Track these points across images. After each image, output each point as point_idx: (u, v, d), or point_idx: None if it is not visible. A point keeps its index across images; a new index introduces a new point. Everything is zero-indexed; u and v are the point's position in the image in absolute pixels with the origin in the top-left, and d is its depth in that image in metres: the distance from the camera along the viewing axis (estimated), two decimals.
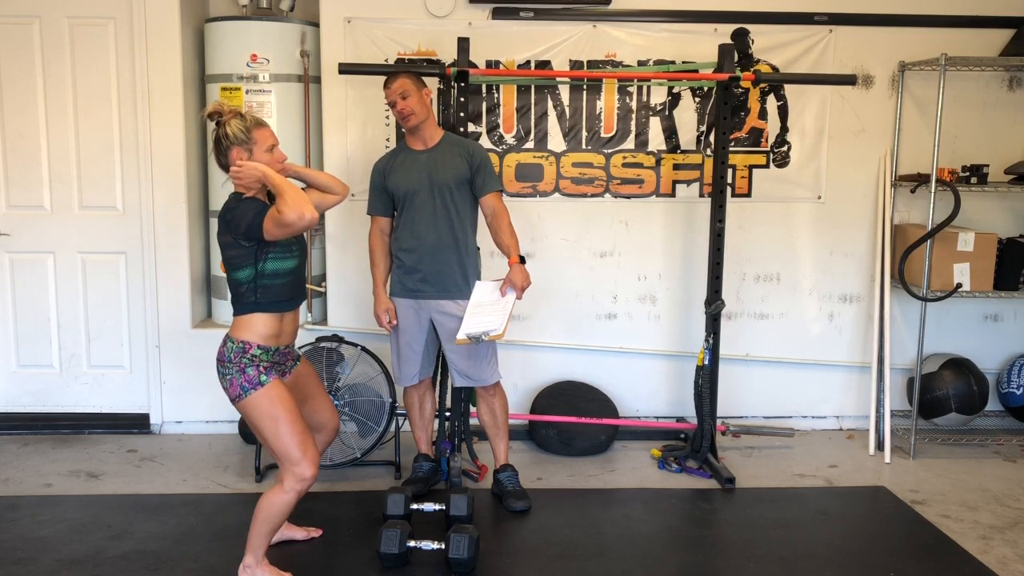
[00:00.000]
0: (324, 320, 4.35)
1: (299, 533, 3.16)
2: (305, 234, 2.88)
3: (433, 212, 3.41)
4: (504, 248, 3.45)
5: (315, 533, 3.19)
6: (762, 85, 4.19)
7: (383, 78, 3.52)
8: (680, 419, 4.35)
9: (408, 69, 3.57)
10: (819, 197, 4.33)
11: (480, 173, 3.45)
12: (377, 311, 3.54)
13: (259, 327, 2.69)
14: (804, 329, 4.43)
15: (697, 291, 4.27)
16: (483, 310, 3.33)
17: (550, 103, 4.20)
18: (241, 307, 2.71)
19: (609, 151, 4.24)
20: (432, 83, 4.14)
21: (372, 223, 3.57)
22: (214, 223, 4.31)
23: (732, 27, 4.16)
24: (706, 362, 3.88)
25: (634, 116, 4.23)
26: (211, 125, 2.75)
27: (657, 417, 4.41)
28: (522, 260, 3.40)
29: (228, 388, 2.69)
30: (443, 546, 2.91)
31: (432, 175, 3.41)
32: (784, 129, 4.27)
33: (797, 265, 4.38)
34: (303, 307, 4.24)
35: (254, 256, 2.66)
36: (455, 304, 3.43)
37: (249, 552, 2.78)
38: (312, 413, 2.93)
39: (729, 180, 4.08)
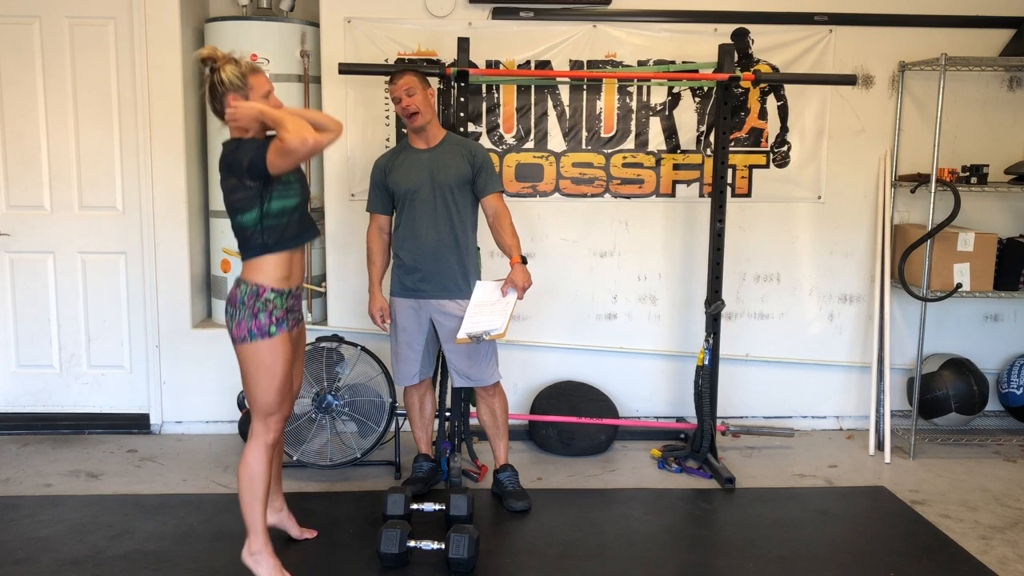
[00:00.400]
0: (324, 320, 4.35)
1: (294, 529, 3.15)
2: (304, 167, 2.83)
3: (434, 212, 3.40)
4: (506, 248, 3.45)
5: (309, 535, 3.18)
6: (762, 85, 4.20)
7: (383, 78, 3.53)
8: (680, 419, 4.35)
9: (411, 68, 3.56)
10: (819, 197, 4.33)
11: (482, 173, 3.45)
12: (371, 309, 3.54)
13: (270, 269, 2.70)
14: (804, 329, 4.43)
15: (697, 291, 4.27)
16: (484, 310, 3.33)
17: (550, 103, 4.20)
18: (250, 251, 2.71)
19: (609, 151, 4.24)
20: (432, 83, 4.12)
21: (371, 220, 3.57)
22: (214, 223, 4.31)
23: (732, 27, 4.17)
24: (706, 362, 3.88)
25: (634, 116, 4.23)
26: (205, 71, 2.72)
27: (657, 417, 4.41)
28: (523, 260, 3.40)
29: (234, 328, 2.69)
30: (443, 546, 2.91)
31: (434, 174, 3.41)
32: (784, 129, 4.27)
33: (797, 265, 4.38)
34: (303, 307, 4.27)
35: (259, 196, 2.65)
36: (455, 304, 3.43)
37: (250, 534, 2.77)
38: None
39: (729, 180, 4.09)
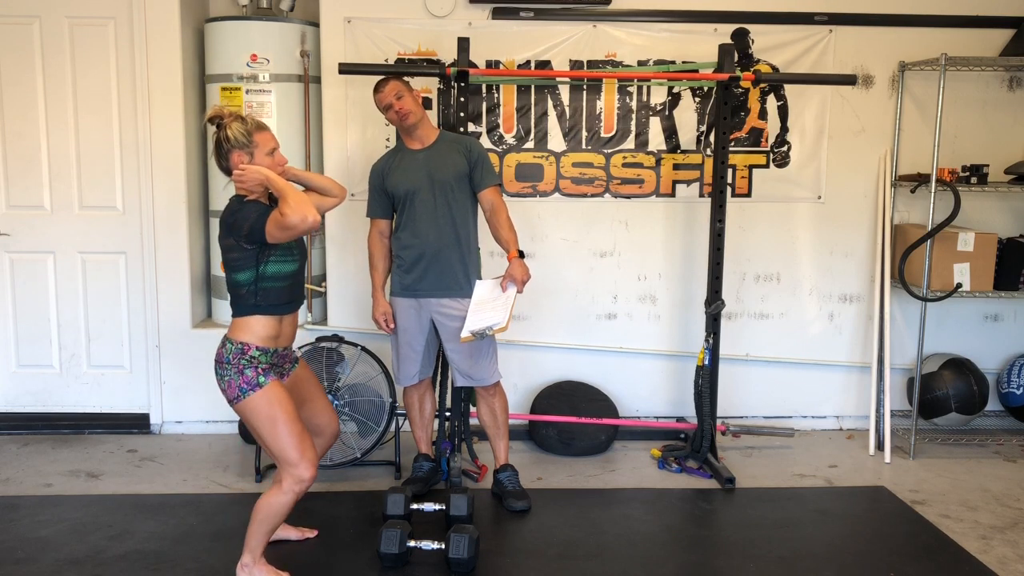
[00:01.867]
0: (324, 320, 4.35)
1: (293, 533, 3.15)
2: (305, 238, 2.88)
3: (434, 210, 3.40)
4: (503, 243, 3.45)
5: (310, 534, 3.18)
6: (762, 85, 4.19)
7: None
8: (680, 419, 4.35)
9: (403, 71, 3.56)
10: (819, 197, 4.33)
11: (478, 167, 3.45)
12: (375, 314, 3.53)
13: (258, 329, 2.70)
14: (804, 329, 4.43)
15: (697, 291, 4.27)
16: (484, 307, 3.34)
17: (550, 103, 4.20)
18: (240, 309, 2.71)
19: (609, 151, 4.24)
20: (432, 83, 4.15)
21: (371, 225, 3.56)
22: (214, 223, 4.31)
23: (732, 27, 4.17)
24: (706, 362, 3.87)
25: (634, 116, 4.23)
26: (212, 128, 2.75)
27: (657, 417, 4.41)
28: (521, 254, 3.40)
29: (226, 390, 2.69)
30: (443, 546, 2.91)
31: (432, 173, 3.41)
32: (784, 129, 4.27)
33: (797, 265, 4.38)
34: (303, 307, 4.27)
35: (255, 259, 2.67)
36: (457, 303, 3.42)
37: (247, 551, 2.78)
38: (311, 417, 2.92)
39: (729, 180, 4.08)
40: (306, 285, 4.25)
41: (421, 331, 3.50)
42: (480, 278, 3.51)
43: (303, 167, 4.15)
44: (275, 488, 2.75)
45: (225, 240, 2.69)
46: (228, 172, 2.71)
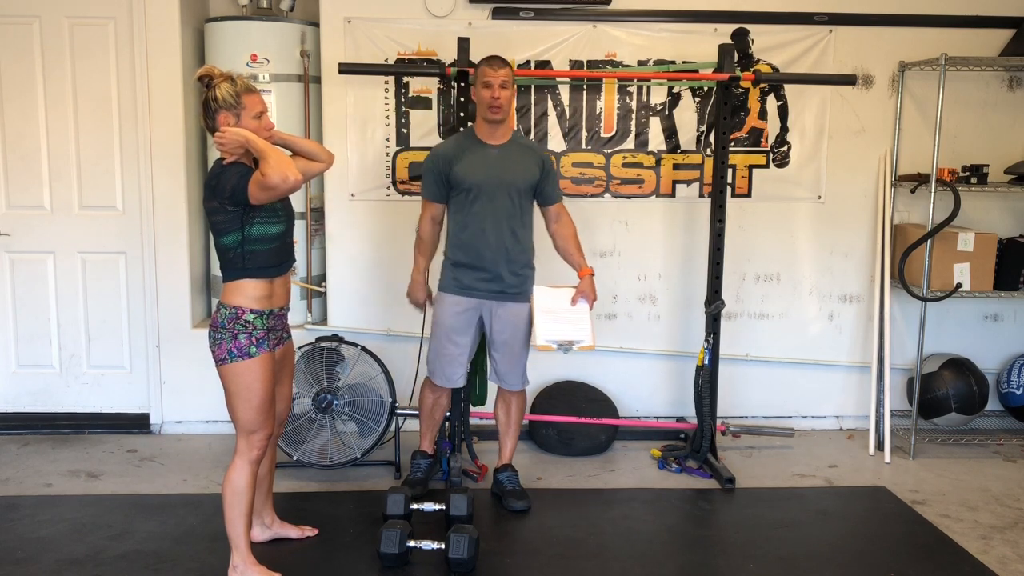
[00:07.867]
0: (324, 320, 4.35)
1: (293, 532, 3.15)
2: (290, 200, 2.86)
3: (501, 212, 3.34)
4: (574, 259, 3.48)
5: (310, 532, 3.18)
6: (762, 85, 4.19)
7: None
8: (680, 419, 4.35)
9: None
10: (819, 197, 4.33)
11: (549, 180, 3.45)
12: (415, 293, 3.50)
13: (249, 291, 2.70)
14: (804, 329, 4.43)
15: (697, 291, 4.27)
16: (558, 317, 3.35)
17: (550, 103, 4.20)
18: (230, 273, 2.71)
19: (609, 151, 4.24)
20: (432, 83, 4.15)
21: (424, 208, 3.46)
22: None
23: (732, 27, 4.17)
24: (706, 362, 3.87)
25: (634, 116, 4.23)
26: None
27: (657, 417, 4.41)
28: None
29: (216, 351, 2.69)
30: (443, 546, 2.91)
31: (503, 174, 3.34)
32: (784, 129, 4.27)
33: (797, 265, 4.38)
34: (303, 307, 4.27)
35: (240, 221, 2.66)
36: (517, 307, 3.40)
37: (234, 550, 2.79)
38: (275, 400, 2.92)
39: (729, 180, 4.08)
40: (306, 285, 4.27)
41: (468, 330, 3.43)
42: (535, 283, 3.49)
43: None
44: (231, 468, 2.77)
45: (209, 203, 2.68)
46: (215, 132, 2.70)
